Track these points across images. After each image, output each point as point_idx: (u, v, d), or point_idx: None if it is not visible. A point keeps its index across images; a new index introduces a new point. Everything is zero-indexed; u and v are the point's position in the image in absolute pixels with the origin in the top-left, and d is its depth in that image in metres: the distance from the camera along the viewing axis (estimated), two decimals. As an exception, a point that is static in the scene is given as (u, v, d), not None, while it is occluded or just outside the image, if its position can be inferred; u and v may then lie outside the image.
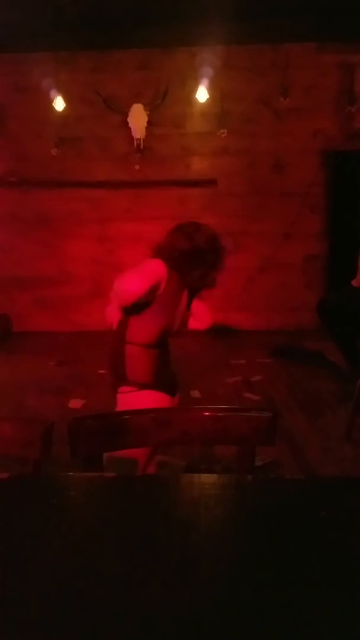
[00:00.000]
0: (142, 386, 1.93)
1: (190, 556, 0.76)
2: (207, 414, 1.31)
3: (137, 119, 5.01)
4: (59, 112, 5.13)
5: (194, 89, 5.09)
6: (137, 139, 5.09)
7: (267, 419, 1.23)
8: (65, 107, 5.11)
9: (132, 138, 5.12)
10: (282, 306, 5.41)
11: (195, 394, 3.49)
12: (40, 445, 1.11)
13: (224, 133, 5.11)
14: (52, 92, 5.03)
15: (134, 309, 1.91)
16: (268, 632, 0.61)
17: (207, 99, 5.09)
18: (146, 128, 5.07)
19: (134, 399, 1.91)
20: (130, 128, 5.09)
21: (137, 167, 5.20)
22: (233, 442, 1.33)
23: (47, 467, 1.15)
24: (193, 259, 1.94)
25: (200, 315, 2.16)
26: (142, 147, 5.13)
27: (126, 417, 1.33)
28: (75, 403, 3.35)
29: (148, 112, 5.06)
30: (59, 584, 0.70)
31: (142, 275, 1.83)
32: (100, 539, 0.80)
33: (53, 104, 5.07)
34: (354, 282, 3.76)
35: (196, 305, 2.15)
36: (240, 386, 3.65)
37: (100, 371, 3.49)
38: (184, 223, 2.06)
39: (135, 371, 1.93)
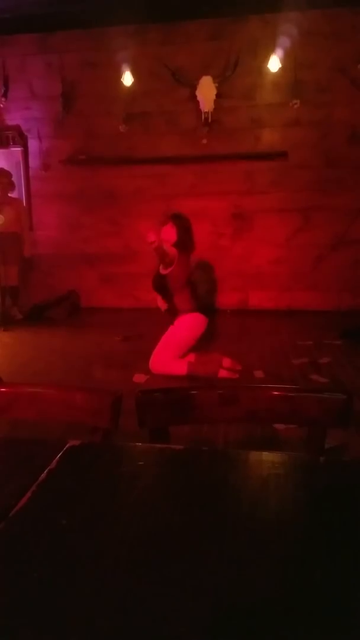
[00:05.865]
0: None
1: (259, 534, 0.74)
2: (276, 393, 1.26)
3: (206, 91, 4.90)
4: (127, 88, 5.12)
5: (265, 59, 4.89)
6: (205, 113, 4.99)
7: (341, 401, 1.18)
8: (133, 82, 5.09)
9: (200, 112, 5.03)
10: (353, 286, 5.17)
11: (259, 374, 3.43)
12: (109, 414, 1.13)
13: (296, 104, 4.88)
14: (121, 68, 5.02)
15: None
16: (336, 613, 0.59)
17: (279, 69, 4.87)
18: (215, 101, 4.95)
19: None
20: (198, 101, 5.00)
21: (204, 141, 5.10)
22: (302, 423, 1.29)
23: (115, 436, 1.16)
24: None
25: None
26: (210, 120, 5.03)
27: (193, 392, 1.32)
28: (139, 377, 3.41)
29: (217, 85, 4.93)
30: (126, 552, 0.70)
31: None
32: (168, 510, 0.80)
33: (121, 80, 5.07)
34: None
35: None
36: (306, 368, 3.55)
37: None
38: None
39: None
